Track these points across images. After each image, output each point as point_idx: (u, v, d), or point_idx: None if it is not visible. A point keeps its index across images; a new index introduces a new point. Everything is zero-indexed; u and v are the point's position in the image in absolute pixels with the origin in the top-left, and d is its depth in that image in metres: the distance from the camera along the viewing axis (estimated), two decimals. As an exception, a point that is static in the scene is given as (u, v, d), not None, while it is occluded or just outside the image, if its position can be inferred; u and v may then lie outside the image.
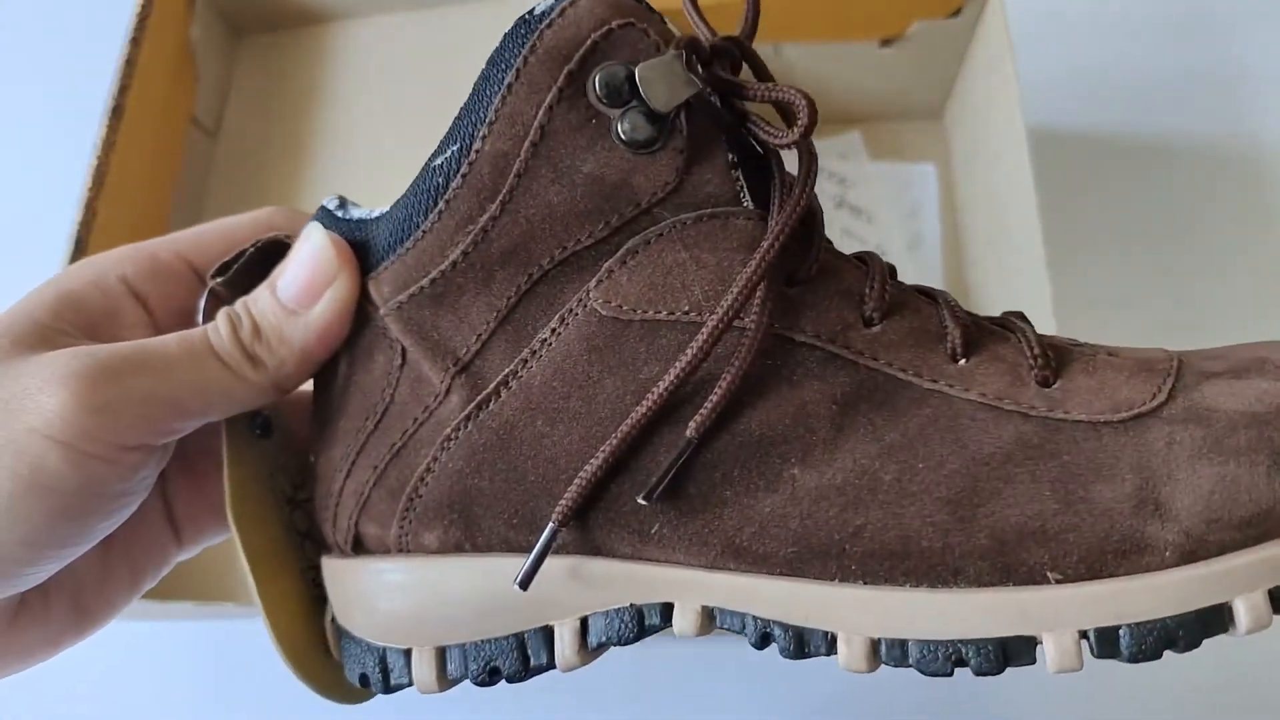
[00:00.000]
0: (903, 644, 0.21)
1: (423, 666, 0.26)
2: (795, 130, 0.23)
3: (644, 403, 0.23)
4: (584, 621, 0.25)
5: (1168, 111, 0.68)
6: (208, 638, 0.58)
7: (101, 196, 0.50)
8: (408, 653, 0.26)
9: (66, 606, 0.28)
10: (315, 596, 0.29)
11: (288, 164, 0.62)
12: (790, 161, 0.25)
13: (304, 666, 0.28)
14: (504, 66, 0.23)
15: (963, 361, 0.23)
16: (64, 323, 0.26)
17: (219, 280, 0.28)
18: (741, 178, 0.24)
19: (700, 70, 0.24)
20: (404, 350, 0.26)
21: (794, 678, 0.54)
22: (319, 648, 0.29)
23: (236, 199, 0.62)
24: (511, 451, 0.24)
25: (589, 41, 0.23)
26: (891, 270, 0.25)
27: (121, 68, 0.54)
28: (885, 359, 0.23)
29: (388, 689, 0.26)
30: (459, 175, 0.24)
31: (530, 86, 0.23)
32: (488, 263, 0.24)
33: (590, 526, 0.24)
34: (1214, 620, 0.20)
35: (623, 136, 0.23)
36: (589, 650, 0.25)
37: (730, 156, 0.24)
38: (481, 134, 0.23)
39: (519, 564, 0.24)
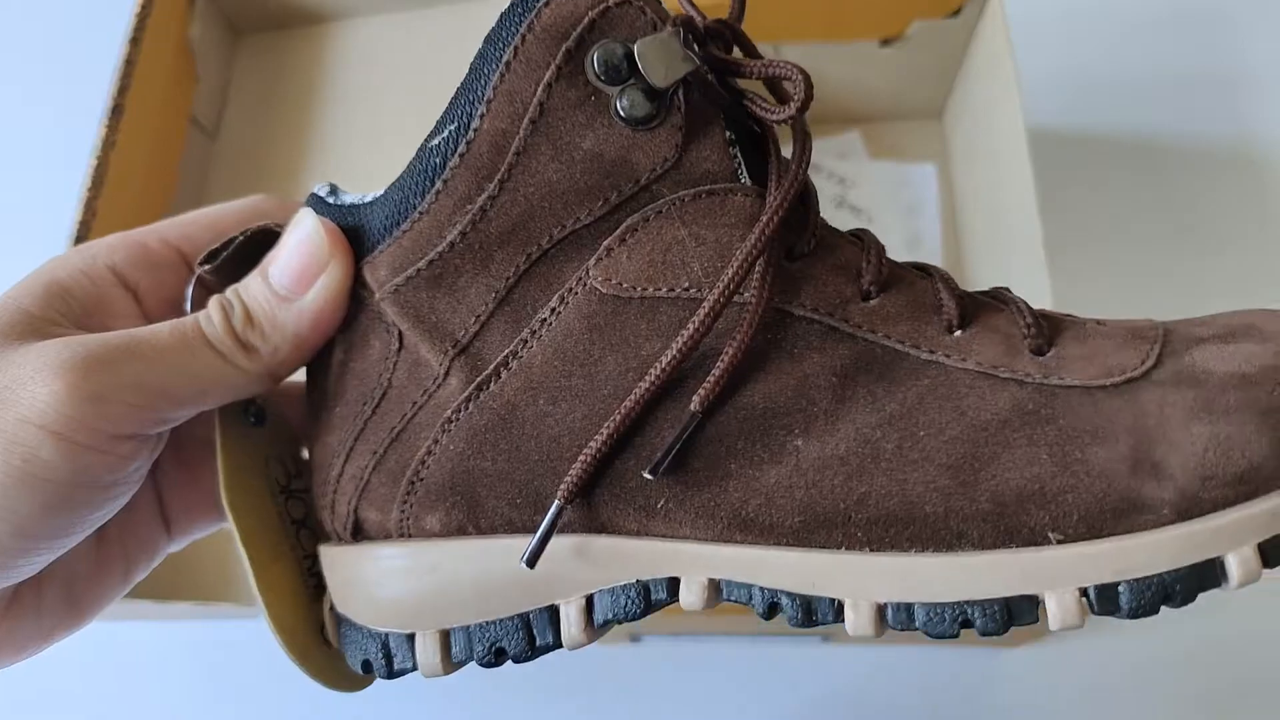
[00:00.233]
0: (909, 608, 0.22)
1: (427, 650, 0.25)
2: (792, 105, 0.23)
3: (647, 378, 0.23)
4: (589, 599, 0.25)
5: (1167, 111, 0.68)
6: (208, 638, 0.57)
7: (101, 196, 0.50)
8: (411, 637, 0.26)
9: (59, 598, 0.28)
10: (312, 585, 0.29)
11: (287, 163, 0.61)
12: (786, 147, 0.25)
13: (302, 654, 0.28)
14: (502, 45, 0.23)
15: (958, 332, 0.24)
16: (53, 312, 0.26)
17: (207, 268, 0.27)
18: (739, 154, 0.24)
19: (696, 48, 0.24)
20: (400, 334, 0.25)
21: (794, 678, 0.54)
22: (317, 636, 0.28)
23: (236, 197, 0.62)
24: (514, 431, 0.24)
25: (587, 19, 0.23)
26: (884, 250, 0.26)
27: (121, 67, 0.53)
28: (883, 331, 0.23)
29: (391, 674, 0.26)
30: (457, 154, 0.24)
31: (529, 64, 0.23)
32: (486, 243, 0.24)
33: (595, 503, 0.24)
34: (1208, 574, 0.21)
35: (621, 113, 0.23)
36: (595, 628, 0.25)
37: (728, 134, 0.24)
38: (480, 112, 0.23)
39: (523, 544, 0.24)
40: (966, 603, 0.21)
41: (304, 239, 0.26)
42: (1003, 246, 0.54)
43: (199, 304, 0.28)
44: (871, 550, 0.22)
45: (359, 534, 0.27)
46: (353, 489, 0.26)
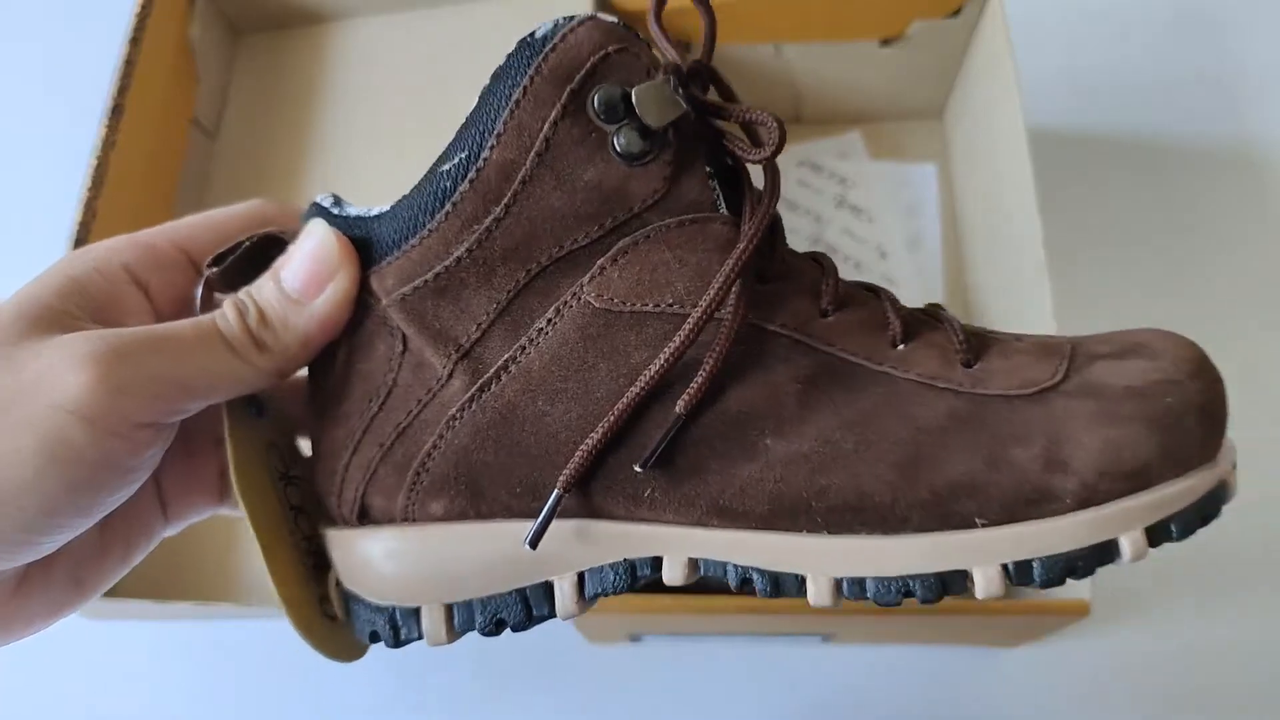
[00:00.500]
0: (861, 581, 0.25)
1: (432, 621, 0.28)
2: (767, 149, 0.26)
3: (637, 384, 0.26)
4: (581, 576, 0.28)
5: (1167, 111, 0.67)
6: (208, 638, 0.58)
7: (101, 196, 0.50)
8: (416, 610, 0.28)
9: (65, 578, 0.29)
10: (310, 565, 0.31)
11: (287, 163, 0.61)
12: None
13: (306, 627, 0.30)
14: (510, 83, 0.26)
15: (902, 347, 0.27)
16: (72, 306, 0.27)
17: (214, 270, 0.29)
18: (718, 187, 0.27)
19: (682, 92, 0.27)
20: (405, 337, 0.28)
21: (793, 678, 0.55)
22: (317, 610, 0.30)
23: (236, 198, 0.60)
24: (514, 428, 0.27)
25: (589, 64, 0.26)
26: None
27: (121, 67, 0.53)
28: (840, 345, 0.27)
29: (398, 644, 0.28)
30: (467, 180, 0.26)
31: (537, 102, 0.25)
32: (490, 259, 0.26)
33: (589, 492, 0.27)
34: (1106, 552, 0.25)
35: (618, 149, 0.26)
36: (585, 600, 0.28)
37: (708, 169, 0.27)
38: (490, 144, 0.26)
39: (521, 528, 0.27)
40: (909, 576, 0.25)
41: (316, 247, 0.28)
42: (1003, 246, 0.55)
43: (207, 303, 0.30)
44: (829, 533, 0.26)
45: (364, 518, 0.29)
46: (360, 477, 0.28)
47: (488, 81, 0.26)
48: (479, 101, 0.26)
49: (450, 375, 0.27)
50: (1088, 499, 0.25)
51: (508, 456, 0.27)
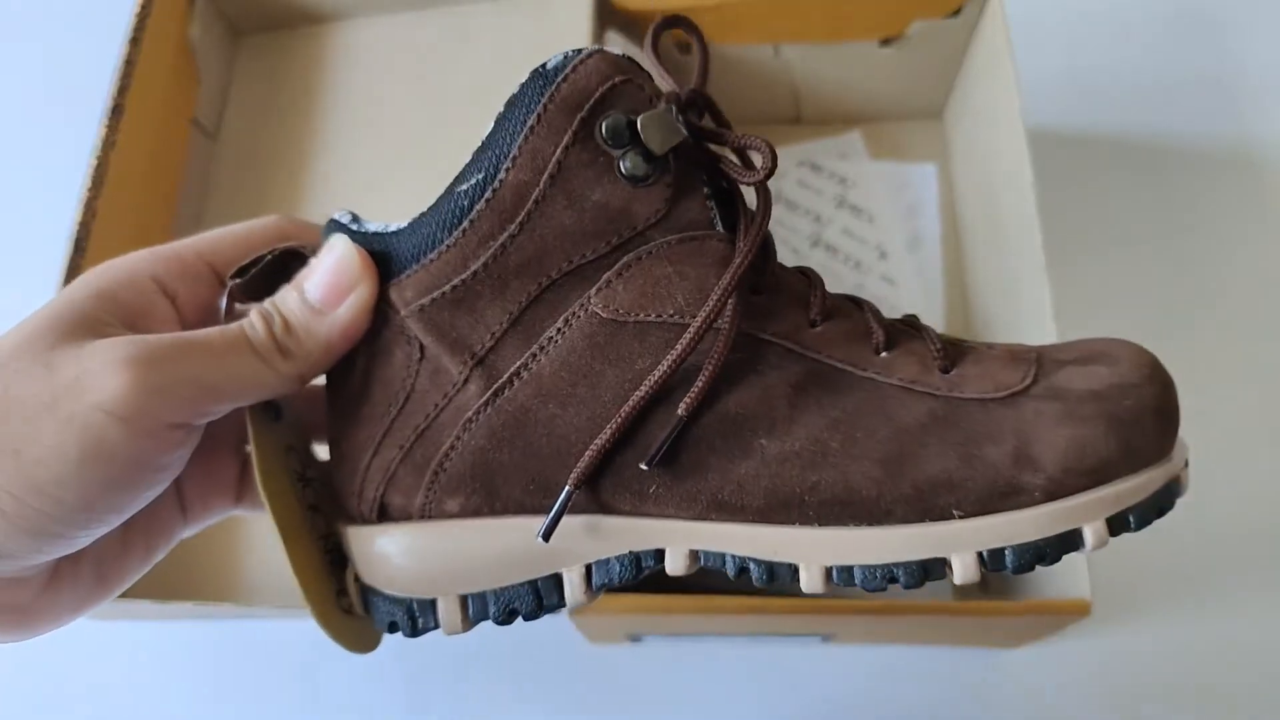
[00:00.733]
0: (849, 569, 0.29)
1: (449, 612, 0.32)
2: (760, 171, 0.30)
3: (642, 388, 0.30)
4: (589, 568, 0.31)
5: (1167, 111, 0.69)
6: (208, 638, 0.60)
7: (102, 197, 0.52)
8: (433, 602, 0.32)
9: (91, 574, 0.32)
10: (327, 561, 0.35)
11: (288, 164, 0.63)
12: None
13: (325, 619, 0.33)
14: (525, 111, 0.29)
15: (884, 354, 0.31)
16: (105, 314, 0.30)
17: (238, 282, 0.33)
18: (714, 207, 0.31)
19: (682, 119, 0.31)
20: (422, 346, 0.31)
21: (793, 678, 0.57)
22: (335, 603, 0.34)
23: (237, 199, 0.63)
24: (527, 430, 0.31)
25: (598, 94, 0.29)
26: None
27: (121, 67, 0.55)
28: (827, 353, 0.31)
29: (415, 633, 0.32)
30: (483, 199, 0.30)
31: (550, 129, 0.29)
32: (504, 273, 0.30)
33: (598, 489, 0.30)
34: (1070, 541, 0.29)
35: (624, 172, 0.30)
36: (593, 590, 0.31)
37: (705, 190, 0.31)
38: (506, 166, 0.30)
39: (533, 523, 0.31)
40: (893, 564, 0.29)
41: (338, 260, 0.32)
42: (1002, 246, 0.56)
43: (230, 313, 0.34)
44: (820, 525, 0.29)
45: (383, 516, 0.32)
46: (380, 477, 0.32)
47: (502, 108, 0.30)
48: (495, 126, 0.30)
49: (466, 380, 0.31)
50: (1054, 492, 0.29)
51: (521, 456, 0.31)
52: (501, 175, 0.30)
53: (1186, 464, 0.31)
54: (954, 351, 0.32)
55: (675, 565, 0.31)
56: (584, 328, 0.30)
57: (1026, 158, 0.52)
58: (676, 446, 0.30)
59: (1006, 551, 0.29)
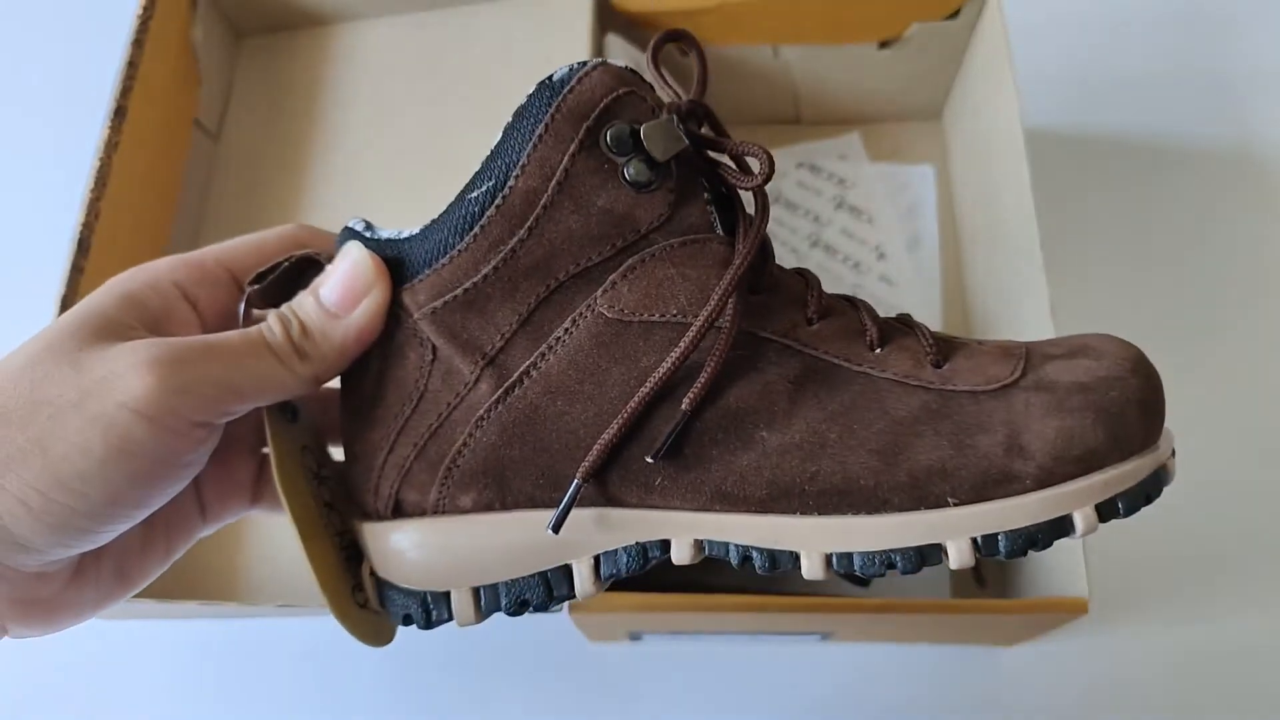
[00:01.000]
0: (849, 555, 0.31)
1: (461, 604, 0.34)
2: (758, 177, 0.32)
3: (646, 384, 0.32)
4: (597, 559, 0.33)
5: (1165, 112, 0.71)
6: (208, 638, 0.61)
7: (104, 197, 0.53)
8: (446, 594, 0.34)
9: (113, 571, 0.34)
10: (343, 557, 0.37)
11: (290, 165, 0.64)
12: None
13: (342, 613, 0.35)
14: (533, 121, 0.32)
15: (878, 350, 0.33)
16: (130, 318, 0.32)
17: (256, 287, 0.35)
18: (714, 211, 0.34)
19: (683, 128, 0.33)
20: (434, 347, 0.33)
21: (793, 677, 0.58)
22: (351, 598, 0.36)
23: (239, 200, 0.64)
24: (537, 426, 0.33)
25: (602, 104, 0.31)
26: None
27: (124, 69, 0.56)
28: (824, 349, 0.33)
29: (429, 625, 0.34)
30: (494, 206, 0.32)
31: (557, 138, 0.31)
32: (514, 276, 0.32)
33: (606, 482, 0.32)
34: (1061, 527, 0.30)
35: (628, 179, 0.32)
36: (602, 580, 0.33)
37: (706, 195, 0.33)
38: (515, 174, 0.32)
39: (543, 517, 0.32)
40: (890, 550, 0.31)
41: (352, 266, 0.34)
42: (1001, 247, 0.58)
43: (248, 317, 0.36)
44: (820, 514, 0.31)
45: (398, 512, 0.34)
46: (395, 474, 0.34)
47: (511, 119, 0.32)
48: (503, 136, 0.32)
49: (478, 380, 0.33)
50: (1045, 480, 0.30)
51: (531, 452, 0.33)
52: (511, 182, 0.32)
53: (1173, 453, 0.33)
54: (946, 347, 0.34)
55: (681, 555, 0.33)
56: (591, 327, 0.32)
57: (1025, 159, 0.53)
58: (680, 440, 0.32)
59: (1000, 537, 0.31)
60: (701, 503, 0.32)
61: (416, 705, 0.59)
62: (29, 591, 0.32)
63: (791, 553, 0.32)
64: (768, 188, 0.33)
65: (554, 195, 0.32)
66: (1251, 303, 0.66)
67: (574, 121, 0.31)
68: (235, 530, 0.57)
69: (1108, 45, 0.74)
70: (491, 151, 0.32)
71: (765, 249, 0.34)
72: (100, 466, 0.29)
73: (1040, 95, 0.68)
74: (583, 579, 0.33)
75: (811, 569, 0.31)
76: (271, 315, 0.34)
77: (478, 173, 0.32)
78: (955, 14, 0.61)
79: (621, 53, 0.63)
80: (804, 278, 0.35)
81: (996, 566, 0.59)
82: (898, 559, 0.31)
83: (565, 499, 0.32)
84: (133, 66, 0.57)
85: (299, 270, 0.35)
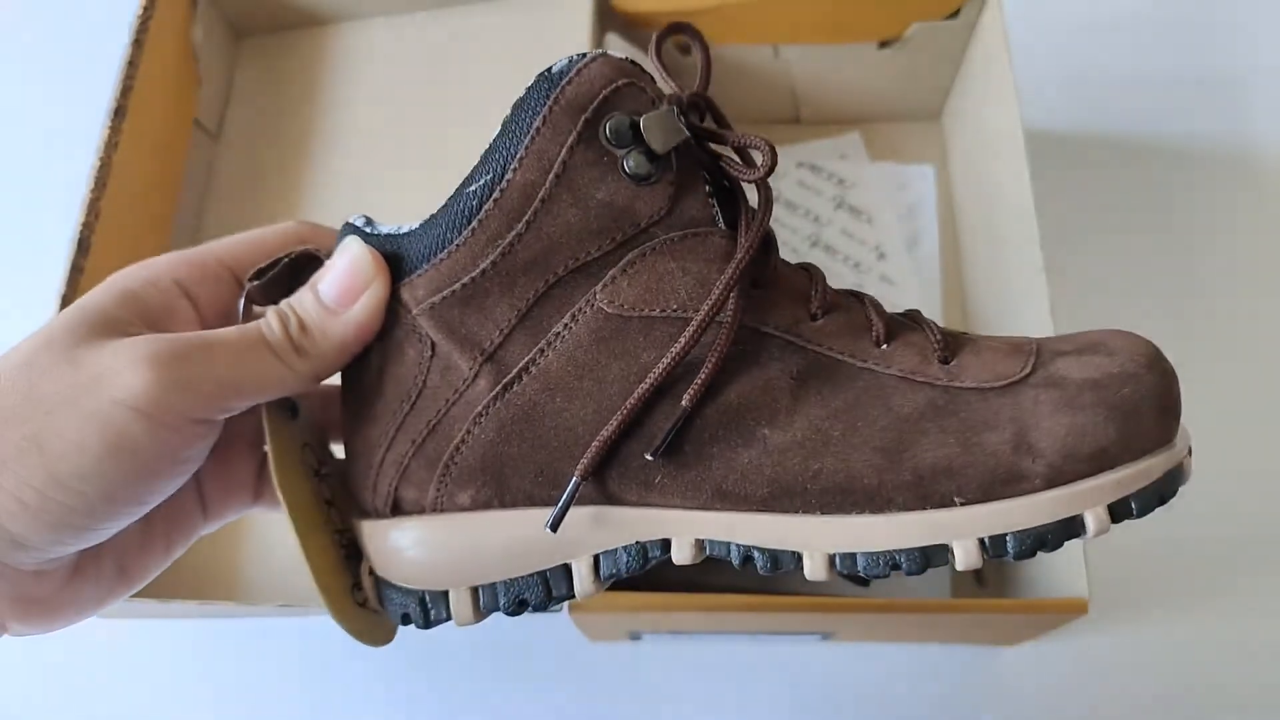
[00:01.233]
0: (852, 556, 0.30)
1: (459, 603, 0.32)
2: (760, 169, 0.31)
3: (646, 380, 0.30)
4: (596, 558, 0.32)
5: (1164, 112, 0.70)
6: (208, 637, 0.60)
7: (105, 197, 0.52)
8: (444, 594, 0.33)
9: (113, 569, 0.33)
10: (343, 555, 0.36)
11: (290, 165, 0.64)
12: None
13: (340, 612, 0.34)
14: (530, 113, 0.30)
15: (884, 346, 0.32)
16: (129, 314, 0.31)
17: (255, 284, 0.34)
18: (716, 204, 0.32)
19: (684, 120, 0.32)
20: (433, 343, 0.32)
21: (793, 677, 0.57)
22: (350, 596, 0.35)
23: (239, 200, 0.64)
24: (536, 423, 0.32)
25: (601, 96, 0.30)
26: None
27: (124, 69, 0.56)
28: (828, 345, 0.32)
29: (428, 624, 0.33)
30: (491, 200, 0.31)
31: (555, 130, 0.30)
32: (512, 271, 0.31)
33: (605, 480, 0.31)
34: (1072, 527, 0.29)
35: (627, 171, 0.31)
36: (601, 580, 0.32)
37: (707, 188, 0.32)
38: (513, 167, 0.30)
39: (542, 515, 0.31)
40: (895, 551, 0.30)
41: (351, 262, 0.33)
42: (1000, 247, 0.57)
43: (248, 314, 0.35)
44: (822, 513, 0.30)
45: (397, 510, 0.33)
46: (394, 472, 0.33)
47: (509, 111, 0.31)
48: (501, 129, 0.31)
49: (476, 376, 0.32)
50: (1055, 479, 0.29)
51: (530, 449, 0.32)
52: (509, 176, 0.31)
53: (1190, 452, 0.31)
54: (954, 343, 0.33)
55: (681, 555, 0.31)
56: (590, 323, 0.31)
57: (1024, 158, 0.53)
58: (680, 437, 0.31)
59: (1008, 538, 0.30)
60: (702, 501, 0.31)
61: (416, 705, 0.59)
62: (28, 589, 0.31)
63: (794, 553, 0.31)
64: (769, 183, 0.32)
65: (552, 188, 0.30)
66: (1251, 303, 0.65)
67: (572, 113, 0.30)
68: (234, 530, 0.56)
69: (1108, 46, 0.74)
70: (490, 145, 0.31)
71: (768, 243, 0.33)
72: (98, 463, 0.28)
73: (1039, 95, 0.68)
74: (582, 578, 0.32)
75: (814, 570, 0.30)
76: (270, 312, 0.33)
77: (476, 166, 0.31)
78: (955, 14, 0.60)
79: (621, 52, 0.62)
80: (808, 273, 0.34)
81: (997, 566, 0.58)
82: (902, 560, 0.30)
83: (564, 497, 0.31)
84: (133, 66, 0.56)
85: (298, 266, 0.34)
